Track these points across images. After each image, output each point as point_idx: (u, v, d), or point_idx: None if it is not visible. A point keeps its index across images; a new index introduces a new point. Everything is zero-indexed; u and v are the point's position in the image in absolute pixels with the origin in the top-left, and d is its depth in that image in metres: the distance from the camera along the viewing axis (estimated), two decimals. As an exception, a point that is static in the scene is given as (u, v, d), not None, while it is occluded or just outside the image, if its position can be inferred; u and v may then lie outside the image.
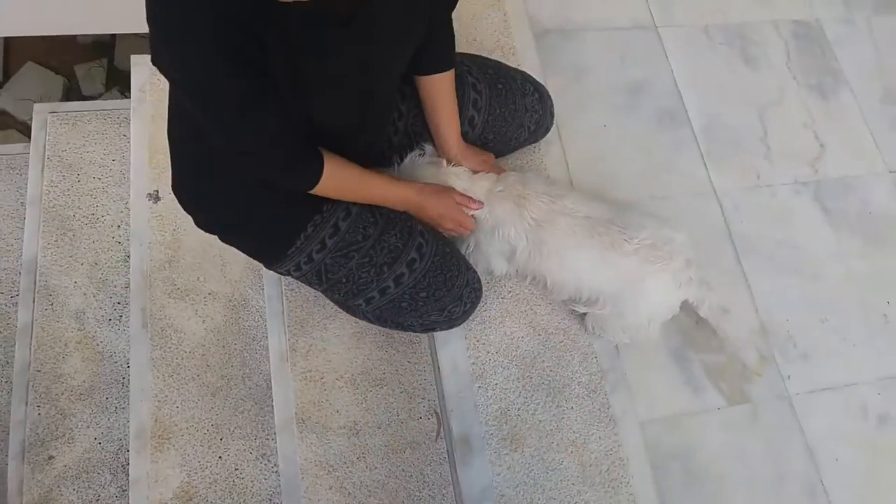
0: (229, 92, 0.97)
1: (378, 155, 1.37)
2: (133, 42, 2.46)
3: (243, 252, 1.35)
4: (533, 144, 1.60)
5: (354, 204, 1.26)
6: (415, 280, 1.27)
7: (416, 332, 1.42)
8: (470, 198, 1.34)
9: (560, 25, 1.79)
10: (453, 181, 1.34)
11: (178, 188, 1.27)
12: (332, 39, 1.01)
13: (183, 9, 0.90)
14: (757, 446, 1.43)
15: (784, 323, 1.55)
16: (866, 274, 1.63)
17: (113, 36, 2.48)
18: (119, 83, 2.50)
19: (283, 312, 1.53)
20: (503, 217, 1.32)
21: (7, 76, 2.47)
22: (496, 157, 1.52)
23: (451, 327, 1.39)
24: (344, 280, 1.27)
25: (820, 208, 1.69)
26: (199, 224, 1.31)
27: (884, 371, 1.53)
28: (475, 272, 1.37)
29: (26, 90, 2.43)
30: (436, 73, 1.29)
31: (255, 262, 1.64)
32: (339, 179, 1.17)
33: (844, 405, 1.49)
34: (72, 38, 2.48)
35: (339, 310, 1.53)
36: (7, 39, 2.48)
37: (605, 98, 1.72)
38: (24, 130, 2.36)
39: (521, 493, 1.32)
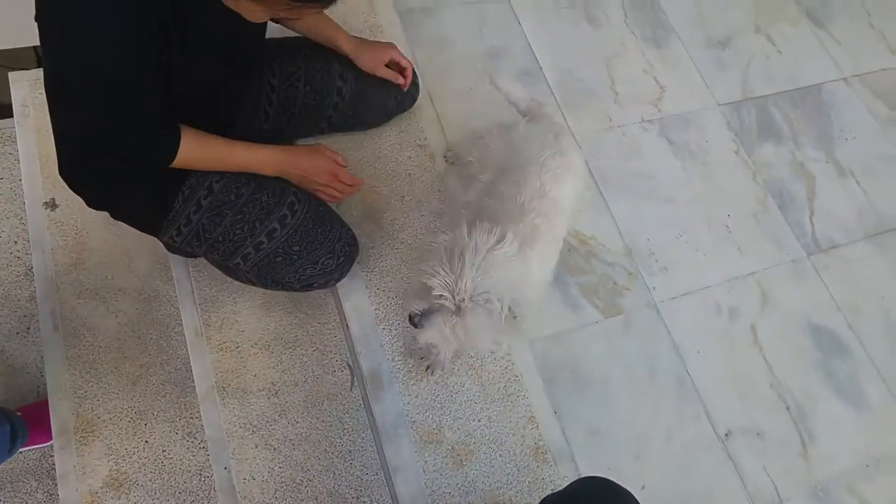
0: (139, 85, 1.08)
1: (250, 129, 1.46)
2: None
3: (132, 225, 1.42)
4: (410, 109, 1.73)
5: None
6: (287, 234, 1.34)
7: (295, 289, 1.46)
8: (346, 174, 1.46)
9: (421, 4, 1.95)
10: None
11: (64, 171, 1.31)
12: (211, 8, 1.08)
13: (115, 13, 0.98)
14: (632, 349, 1.62)
15: (645, 242, 1.75)
16: (709, 193, 1.86)
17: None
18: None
19: (192, 292, 1.61)
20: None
21: None
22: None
23: (328, 283, 1.46)
24: (220, 238, 1.35)
25: (666, 141, 1.91)
26: (89, 204, 1.37)
27: (730, 273, 1.76)
28: (349, 229, 1.46)
29: None
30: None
31: (161, 255, 1.71)
32: (202, 150, 1.25)
33: (701, 305, 1.70)
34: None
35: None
36: None
37: (468, 64, 1.88)
38: None
39: (430, 416, 1.45)
